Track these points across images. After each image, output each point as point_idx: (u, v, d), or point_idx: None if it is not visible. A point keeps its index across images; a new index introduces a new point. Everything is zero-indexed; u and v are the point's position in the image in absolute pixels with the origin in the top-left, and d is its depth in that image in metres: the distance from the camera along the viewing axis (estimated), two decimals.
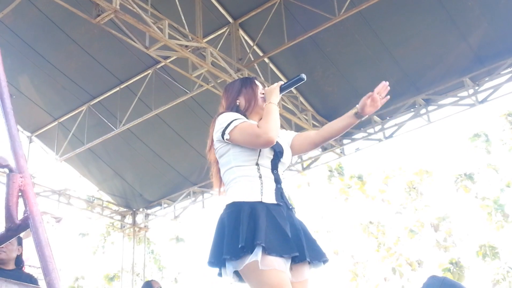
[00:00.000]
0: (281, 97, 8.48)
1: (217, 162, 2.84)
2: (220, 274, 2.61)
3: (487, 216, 16.38)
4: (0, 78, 2.13)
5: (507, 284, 16.07)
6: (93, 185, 12.58)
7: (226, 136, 2.69)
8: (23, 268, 4.26)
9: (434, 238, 17.14)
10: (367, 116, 2.96)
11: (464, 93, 9.04)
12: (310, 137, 2.97)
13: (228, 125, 2.70)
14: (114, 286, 18.97)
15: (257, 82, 2.99)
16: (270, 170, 2.73)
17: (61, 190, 11.97)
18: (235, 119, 2.72)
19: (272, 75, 9.37)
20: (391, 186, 17.69)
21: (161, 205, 12.68)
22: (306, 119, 9.65)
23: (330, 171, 17.81)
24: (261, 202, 2.59)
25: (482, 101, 8.97)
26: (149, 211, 12.99)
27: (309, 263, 2.61)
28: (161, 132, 10.72)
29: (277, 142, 2.75)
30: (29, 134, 11.40)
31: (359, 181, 17.77)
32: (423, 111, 9.44)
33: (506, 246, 16.11)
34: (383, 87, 2.92)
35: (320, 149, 10.50)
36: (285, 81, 2.93)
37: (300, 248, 2.55)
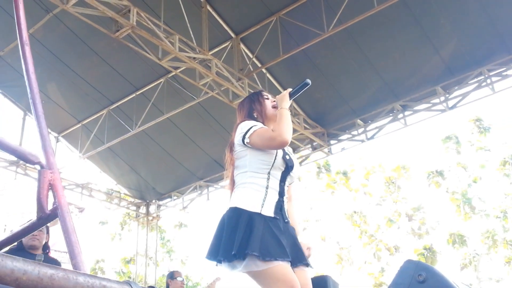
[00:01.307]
0: None
1: (233, 166, 2.78)
2: (216, 265, 2.59)
3: (456, 208, 16.37)
4: (33, 85, 2.12)
5: (473, 268, 16.08)
6: (112, 180, 12.55)
7: (246, 140, 2.65)
8: (48, 253, 4.25)
9: (409, 226, 17.14)
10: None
11: (436, 100, 9.05)
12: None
13: (248, 130, 2.66)
14: (130, 268, 18.94)
15: (264, 94, 2.95)
16: (278, 182, 2.67)
17: (84, 184, 11.95)
18: (254, 125, 2.69)
19: (268, 83, 9.37)
20: (372, 181, 17.69)
21: (171, 197, 12.65)
22: (298, 122, 9.64)
23: (319, 167, 17.79)
24: (260, 214, 2.53)
25: (452, 107, 8.98)
26: (160, 202, 12.97)
27: (307, 265, 2.60)
28: (172, 133, 10.70)
29: (290, 157, 2.74)
30: (56, 134, 11.37)
31: (344, 177, 17.75)
32: (400, 115, 9.45)
33: (473, 235, 16.12)
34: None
35: (310, 149, 10.51)
36: (292, 88, 2.85)
37: (299, 254, 2.56)
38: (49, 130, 11.25)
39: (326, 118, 10.06)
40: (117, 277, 19.74)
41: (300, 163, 11.06)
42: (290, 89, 2.83)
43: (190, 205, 12.53)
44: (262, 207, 2.55)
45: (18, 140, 10.36)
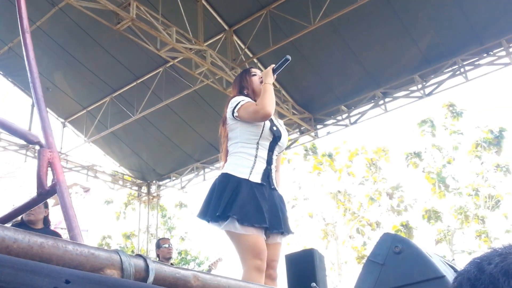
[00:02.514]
0: None
1: (227, 138, 2.83)
2: (208, 222, 2.66)
3: (431, 187, 16.44)
4: (33, 70, 2.07)
5: (447, 241, 16.20)
6: (115, 162, 12.50)
7: (235, 114, 2.70)
8: (49, 227, 4.22)
9: (389, 204, 17.21)
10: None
11: (414, 88, 9.03)
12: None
13: (236, 105, 2.71)
14: (133, 244, 18.95)
15: (252, 71, 2.97)
16: (267, 152, 2.71)
17: (89, 166, 11.89)
18: (242, 100, 2.74)
19: None
20: (355, 162, 17.70)
21: (170, 178, 12.62)
22: (287, 108, 9.61)
23: (306, 150, 17.77)
24: (247, 179, 2.59)
25: (429, 94, 8.96)
26: (160, 183, 12.94)
27: (282, 233, 2.63)
28: (170, 119, 10.65)
29: (277, 127, 2.78)
30: (62, 120, 11.29)
31: (329, 159, 17.75)
32: (381, 102, 9.43)
33: (447, 211, 16.22)
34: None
35: (298, 133, 10.49)
36: (275, 64, 2.90)
37: (277, 221, 2.59)
38: (56, 116, 11.18)
39: (313, 104, 10.02)
40: None
41: (289, 146, 11.05)
42: (273, 65, 2.85)
43: (188, 185, 12.51)
44: (250, 174, 2.61)
45: (27, 127, 10.27)
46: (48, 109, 10.60)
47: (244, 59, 8.88)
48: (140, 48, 8.42)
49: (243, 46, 8.98)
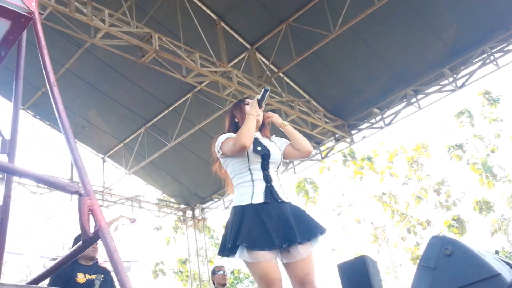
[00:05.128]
0: (297, 103, 8.40)
1: (226, 174, 2.92)
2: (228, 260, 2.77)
3: (478, 177, 16.08)
4: (64, 123, 2.15)
5: (502, 232, 15.76)
6: (157, 190, 12.74)
7: (220, 152, 2.80)
8: (97, 263, 4.38)
9: (437, 200, 16.90)
10: (281, 122, 2.97)
11: (445, 81, 8.91)
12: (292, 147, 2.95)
13: (220, 143, 2.80)
14: (186, 268, 19.14)
15: (246, 100, 3.02)
16: (261, 172, 2.74)
17: (133, 197, 12.14)
18: (222, 138, 2.82)
19: (287, 86, 9.38)
20: (396, 162, 17.51)
21: (212, 199, 12.76)
22: (319, 118, 9.62)
23: (344, 156, 17.68)
24: (250, 204, 2.63)
25: (461, 86, 8.82)
26: (204, 206, 13.09)
27: (299, 243, 2.54)
28: (204, 142, 10.75)
29: (263, 146, 2.80)
30: (102, 155, 11.60)
31: (369, 162, 17.60)
32: (413, 100, 9.33)
33: (498, 201, 15.80)
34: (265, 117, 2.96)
35: (334, 140, 10.49)
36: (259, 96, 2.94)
37: (290, 234, 2.54)
38: (95, 152, 11.51)
39: (345, 110, 10.00)
40: (175, 277, 20.02)
41: (326, 154, 11.05)
42: (258, 97, 2.89)
43: (232, 205, 12.57)
44: (252, 198, 2.65)
45: (69, 167, 10.59)
46: (87, 146, 10.90)
47: (269, 75, 8.96)
48: (167, 76, 8.60)
49: (267, 62, 9.07)
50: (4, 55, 1.89)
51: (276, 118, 2.98)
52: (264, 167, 2.76)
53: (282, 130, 2.95)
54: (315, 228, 2.65)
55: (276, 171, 2.83)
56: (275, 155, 2.83)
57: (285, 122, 2.95)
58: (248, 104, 2.96)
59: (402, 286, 16.15)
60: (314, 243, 2.63)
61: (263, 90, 2.89)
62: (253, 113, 2.80)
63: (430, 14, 8.07)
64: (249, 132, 2.70)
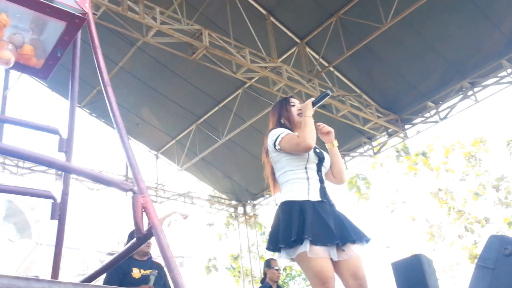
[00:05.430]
0: (348, 97, 8.33)
1: (271, 167, 2.93)
2: (277, 256, 2.71)
3: None
4: (118, 121, 2.18)
5: None
6: (209, 186, 12.90)
7: (277, 146, 2.81)
8: (151, 258, 4.47)
9: (496, 197, 16.30)
10: (332, 141, 2.96)
11: (504, 73, 8.57)
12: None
13: (277, 137, 2.82)
14: (238, 264, 19.30)
15: (291, 101, 3.05)
16: (316, 172, 2.79)
17: (185, 193, 12.35)
18: (282, 133, 2.84)
19: (337, 80, 9.27)
20: (452, 158, 16.99)
21: (264, 196, 12.81)
22: (371, 112, 9.46)
23: (397, 152, 17.32)
24: (308, 200, 2.66)
25: None
26: (255, 202, 13.16)
27: (354, 242, 2.60)
28: (255, 138, 10.79)
29: (320, 150, 2.88)
30: (155, 152, 11.86)
31: (424, 157, 17.18)
32: (470, 92, 9.02)
33: None
34: (321, 127, 2.97)
35: (386, 136, 10.28)
36: (315, 98, 2.98)
37: (345, 233, 2.60)
38: (148, 149, 11.77)
39: (397, 104, 9.79)
40: (228, 273, 20.23)
41: (379, 150, 10.86)
42: (313, 99, 2.94)
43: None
44: (308, 194, 2.68)
45: (124, 164, 10.86)
46: (141, 143, 11.16)
47: (320, 70, 8.89)
48: (218, 73, 8.69)
49: (317, 57, 8.99)
50: (60, 55, 1.94)
51: (332, 135, 2.98)
52: (319, 168, 2.82)
53: (328, 148, 2.97)
54: (362, 234, 2.71)
55: (324, 175, 2.88)
56: (327, 161, 2.90)
57: (336, 143, 2.96)
58: (293, 105, 3.01)
59: (459, 286, 15.72)
60: (361, 246, 2.68)
61: (323, 93, 2.92)
62: (309, 115, 2.84)
63: (485, 2, 7.78)
64: (313, 134, 2.76)
